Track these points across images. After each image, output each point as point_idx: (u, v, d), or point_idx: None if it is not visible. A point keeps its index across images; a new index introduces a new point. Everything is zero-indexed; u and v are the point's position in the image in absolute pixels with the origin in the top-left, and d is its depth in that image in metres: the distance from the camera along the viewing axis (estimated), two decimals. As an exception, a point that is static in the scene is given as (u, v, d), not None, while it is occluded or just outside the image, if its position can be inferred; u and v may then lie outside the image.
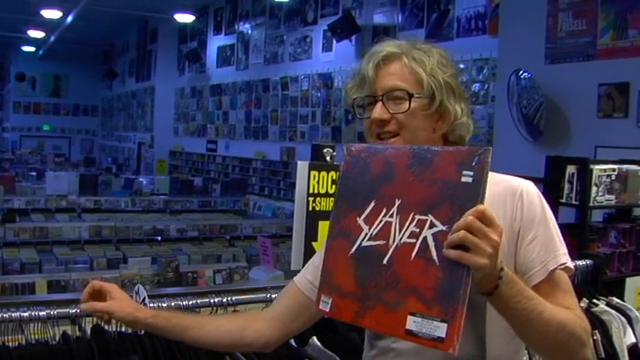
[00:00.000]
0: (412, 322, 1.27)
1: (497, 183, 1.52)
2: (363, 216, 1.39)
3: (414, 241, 1.30)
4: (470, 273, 1.23)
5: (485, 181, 1.27)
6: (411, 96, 1.55)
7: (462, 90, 1.62)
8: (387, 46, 1.59)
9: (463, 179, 1.28)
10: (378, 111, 1.57)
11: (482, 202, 1.26)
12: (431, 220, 1.29)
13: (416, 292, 1.28)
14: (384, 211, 1.36)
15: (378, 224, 1.36)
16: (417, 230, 1.30)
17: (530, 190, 1.54)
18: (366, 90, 1.60)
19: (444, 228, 1.27)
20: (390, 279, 1.32)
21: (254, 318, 1.76)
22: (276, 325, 1.72)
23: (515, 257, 1.51)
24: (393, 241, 1.33)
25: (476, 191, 1.26)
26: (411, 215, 1.32)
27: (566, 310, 1.45)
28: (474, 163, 1.28)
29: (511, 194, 1.52)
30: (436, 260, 1.27)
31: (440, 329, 1.24)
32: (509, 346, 1.54)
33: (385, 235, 1.35)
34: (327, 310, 1.41)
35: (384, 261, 1.33)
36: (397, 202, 1.35)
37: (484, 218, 1.23)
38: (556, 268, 1.49)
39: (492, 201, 1.39)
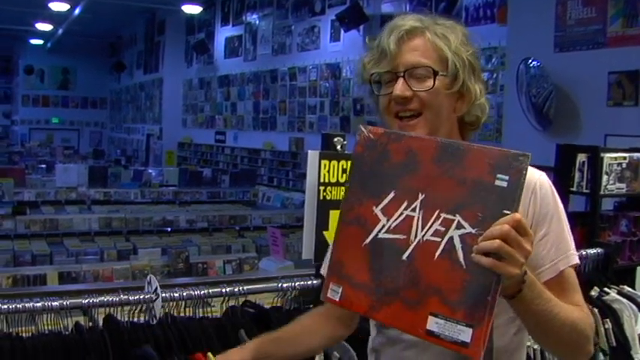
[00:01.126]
0: (434, 323, 1.24)
1: None
2: (381, 206, 1.33)
3: (438, 240, 1.26)
4: (500, 280, 1.21)
5: (522, 189, 1.22)
6: (436, 74, 1.48)
7: (480, 70, 1.57)
8: (409, 20, 1.51)
9: (497, 182, 1.23)
10: (400, 88, 1.48)
11: (517, 210, 1.22)
12: (458, 221, 1.24)
13: (438, 293, 1.24)
14: (405, 203, 1.30)
15: (398, 217, 1.30)
16: (443, 229, 1.25)
17: (543, 183, 1.50)
18: (385, 65, 1.51)
19: (473, 231, 1.23)
20: (410, 276, 1.28)
21: (327, 323, 1.77)
22: (342, 324, 1.76)
23: None
24: (415, 237, 1.28)
25: (511, 197, 1.22)
26: (436, 212, 1.27)
27: (577, 309, 1.45)
28: (510, 168, 1.23)
29: (525, 187, 1.49)
30: (463, 263, 1.23)
31: (464, 333, 1.21)
32: (515, 337, 1.54)
33: (406, 230, 1.29)
34: (337, 300, 1.36)
35: (404, 257, 1.29)
36: (420, 197, 1.29)
37: (519, 227, 1.20)
38: (566, 268, 1.50)
39: None
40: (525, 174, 1.22)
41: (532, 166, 1.54)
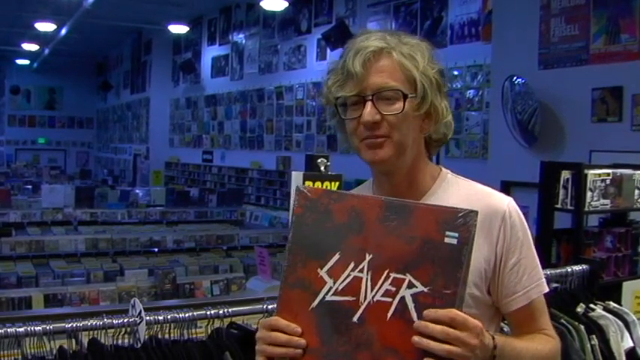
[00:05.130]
0: None
1: (479, 198, 1.49)
2: (326, 268, 1.29)
3: (389, 300, 1.23)
4: None
5: (471, 246, 1.22)
6: (405, 97, 1.43)
7: (444, 87, 1.53)
8: (374, 40, 1.46)
9: (447, 240, 1.22)
10: (369, 112, 1.43)
11: (468, 267, 1.22)
12: (409, 280, 1.23)
13: (395, 354, 1.22)
14: (352, 265, 1.27)
15: (346, 279, 1.27)
16: (393, 289, 1.23)
17: (512, 211, 1.51)
18: (352, 88, 1.45)
19: (425, 289, 1.21)
20: (363, 338, 1.25)
21: None
22: None
23: (497, 280, 1.50)
24: (365, 299, 1.25)
25: (460, 256, 1.21)
26: (386, 272, 1.24)
27: (544, 341, 1.49)
28: (459, 225, 1.22)
29: (494, 214, 1.49)
30: (417, 322, 1.22)
31: None
32: None
33: (354, 291, 1.26)
34: None
35: (354, 319, 1.26)
36: (368, 257, 1.26)
37: (457, 325, 1.20)
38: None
39: None
40: (475, 230, 1.22)
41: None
